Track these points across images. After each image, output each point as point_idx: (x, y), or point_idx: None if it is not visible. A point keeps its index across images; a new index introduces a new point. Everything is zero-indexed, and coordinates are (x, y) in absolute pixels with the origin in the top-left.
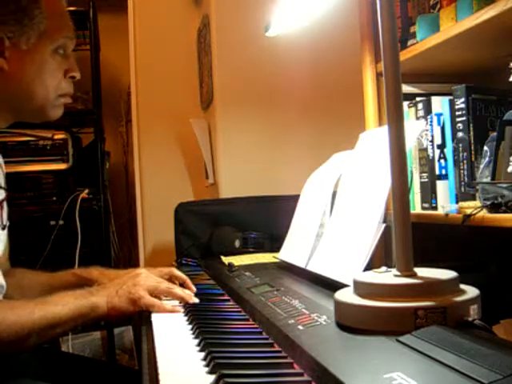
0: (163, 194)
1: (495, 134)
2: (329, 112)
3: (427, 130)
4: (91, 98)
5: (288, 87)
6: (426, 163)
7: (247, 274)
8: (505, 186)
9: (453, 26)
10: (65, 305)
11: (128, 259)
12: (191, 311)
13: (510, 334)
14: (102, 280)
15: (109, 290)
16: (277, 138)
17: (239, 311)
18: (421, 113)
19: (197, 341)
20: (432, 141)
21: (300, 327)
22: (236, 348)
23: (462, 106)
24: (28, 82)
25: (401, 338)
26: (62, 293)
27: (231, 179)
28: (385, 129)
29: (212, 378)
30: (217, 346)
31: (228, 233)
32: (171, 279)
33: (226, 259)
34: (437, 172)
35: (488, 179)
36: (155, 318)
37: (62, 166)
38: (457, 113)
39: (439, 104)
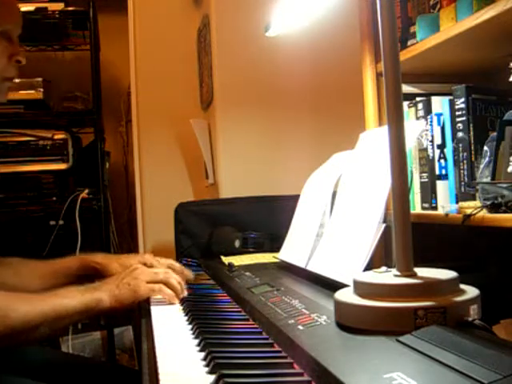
0: (163, 194)
1: (495, 134)
2: (329, 112)
3: (427, 130)
4: (91, 98)
5: (288, 87)
6: (426, 163)
7: (247, 274)
8: (505, 186)
9: (453, 26)
10: (72, 298)
11: None
12: (191, 311)
13: (510, 334)
14: (105, 261)
15: (110, 285)
16: (277, 138)
17: (239, 311)
18: (421, 113)
19: (197, 341)
20: (432, 141)
21: (300, 327)
22: (236, 348)
23: (462, 106)
24: None
25: (401, 338)
26: (69, 287)
27: (231, 179)
28: (385, 129)
29: (212, 378)
30: (217, 346)
31: (228, 233)
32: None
33: (225, 259)
34: (437, 172)
35: (488, 179)
36: (155, 317)
37: (62, 166)
38: (457, 113)
39: (439, 104)
